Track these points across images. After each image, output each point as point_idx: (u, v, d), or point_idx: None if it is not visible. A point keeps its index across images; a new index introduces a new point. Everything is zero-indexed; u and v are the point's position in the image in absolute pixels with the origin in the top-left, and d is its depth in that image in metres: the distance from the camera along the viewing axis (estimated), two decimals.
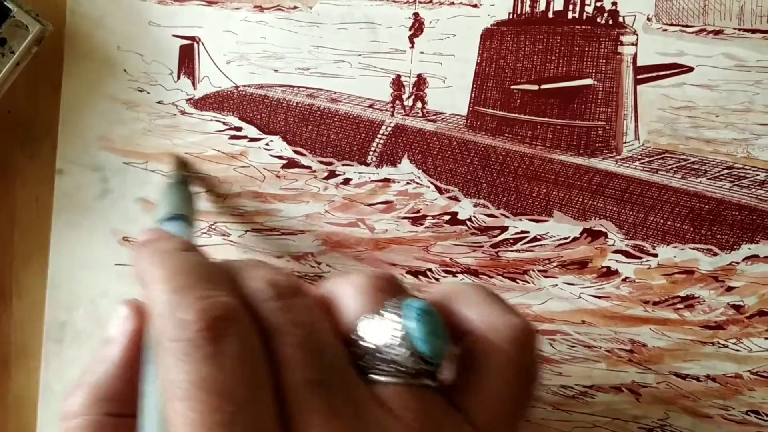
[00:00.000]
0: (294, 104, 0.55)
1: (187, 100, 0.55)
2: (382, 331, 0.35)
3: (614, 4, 0.51)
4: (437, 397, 0.36)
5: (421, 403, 0.35)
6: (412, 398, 0.35)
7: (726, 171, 0.50)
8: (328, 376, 0.34)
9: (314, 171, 0.54)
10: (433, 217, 0.53)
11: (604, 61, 0.52)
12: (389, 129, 0.54)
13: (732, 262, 0.50)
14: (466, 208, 0.53)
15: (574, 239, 0.52)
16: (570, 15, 0.52)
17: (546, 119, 0.52)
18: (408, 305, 0.36)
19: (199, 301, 0.34)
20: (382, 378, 0.35)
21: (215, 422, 0.31)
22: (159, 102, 0.56)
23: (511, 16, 0.52)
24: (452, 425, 0.36)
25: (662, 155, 0.51)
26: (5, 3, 0.52)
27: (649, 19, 0.51)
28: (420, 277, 0.53)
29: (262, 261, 0.40)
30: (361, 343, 0.36)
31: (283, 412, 0.33)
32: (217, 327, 0.33)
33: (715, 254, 0.51)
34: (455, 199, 0.53)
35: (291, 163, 0.54)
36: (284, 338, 0.34)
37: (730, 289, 0.51)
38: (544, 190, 0.52)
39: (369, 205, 0.54)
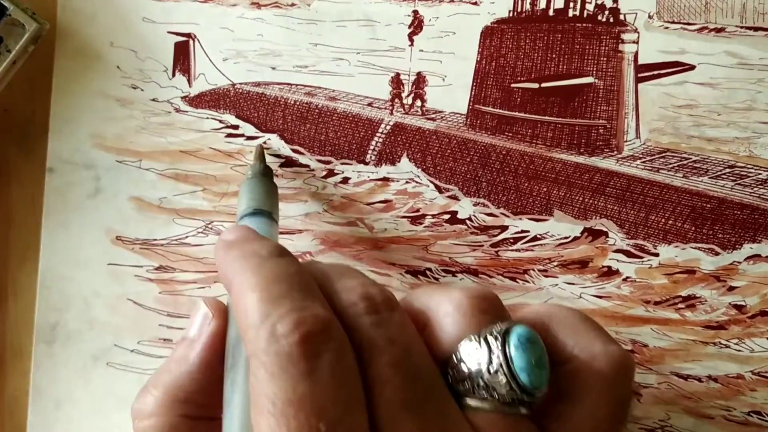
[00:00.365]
0: (292, 102, 0.54)
1: (182, 97, 0.55)
2: (483, 356, 0.34)
3: (615, 1, 0.51)
4: (531, 427, 0.35)
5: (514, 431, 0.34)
6: (506, 427, 0.34)
7: (728, 170, 0.50)
8: (422, 398, 0.33)
9: (312, 170, 0.54)
10: (433, 216, 0.53)
11: (605, 59, 0.51)
12: (388, 127, 0.53)
13: (734, 261, 0.50)
14: (465, 207, 0.53)
15: (575, 238, 0.52)
16: (571, 13, 0.52)
17: (546, 118, 0.52)
18: (512, 332, 0.35)
19: (295, 313, 0.33)
20: (477, 404, 0.35)
21: None
22: (153, 99, 0.55)
23: (511, 14, 0.52)
24: None
25: (664, 154, 0.51)
26: (1, 1, 0.51)
27: (650, 17, 0.51)
28: (419, 276, 0.53)
29: (354, 269, 0.39)
30: (460, 366, 0.35)
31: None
32: (313, 342, 0.32)
33: (717, 254, 0.50)
34: (455, 198, 0.53)
35: (289, 162, 0.54)
36: (379, 356, 0.33)
37: (731, 288, 0.50)
38: (545, 189, 0.52)
39: (368, 204, 0.53)
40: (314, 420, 0.31)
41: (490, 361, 0.34)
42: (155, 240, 0.55)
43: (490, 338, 0.35)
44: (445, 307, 0.37)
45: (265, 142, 0.54)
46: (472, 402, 0.35)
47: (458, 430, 0.33)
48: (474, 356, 0.35)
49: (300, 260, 0.39)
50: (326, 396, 0.31)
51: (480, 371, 0.34)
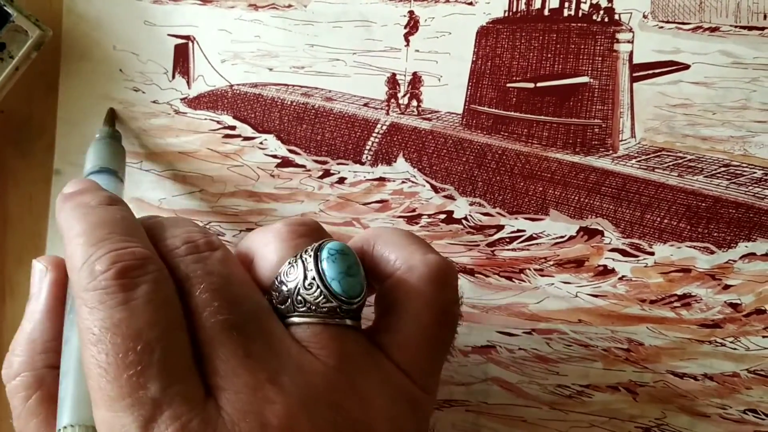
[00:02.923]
0: (288, 103, 0.54)
1: (181, 99, 0.55)
2: (299, 274, 0.36)
3: (610, 1, 0.51)
4: (356, 335, 0.37)
5: (339, 340, 0.36)
6: (329, 336, 0.36)
7: (723, 169, 0.50)
8: (243, 319, 0.35)
9: (309, 170, 0.54)
10: (429, 216, 0.53)
11: (600, 58, 0.51)
12: (384, 127, 0.54)
13: (729, 260, 0.50)
14: (461, 206, 0.53)
15: (571, 238, 0.52)
16: (566, 13, 0.52)
17: (542, 117, 0.52)
18: (323, 247, 0.37)
19: (112, 252, 0.35)
20: (300, 319, 0.36)
21: (126, 362, 0.32)
22: (154, 101, 0.55)
23: (506, 14, 0.52)
24: (371, 362, 0.37)
25: (659, 153, 0.51)
26: (5, 8, 0.52)
27: (645, 17, 0.51)
28: None
29: (186, 219, 0.41)
30: (282, 288, 0.37)
31: (199, 356, 0.34)
32: (129, 275, 0.34)
33: (712, 252, 0.50)
34: (451, 197, 0.53)
35: (285, 162, 0.54)
36: (198, 285, 0.35)
37: (727, 287, 0.50)
38: (540, 189, 0.52)
39: (364, 204, 0.54)
40: (131, 342, 0.32)
41: (305, 277, 0.36)
42: None
43: (305, 256, 0.37)
44: (266, 238, 0.39)
45: (261, 143, 0.54)
46: (295, 318, 0.37)
47: (282, 344, 0.35)
48: (292, 275, 0.37)
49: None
50: (143, 320, 0.33)
51: (297, 288, 0.36)
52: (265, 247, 0.39)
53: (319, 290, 0.36)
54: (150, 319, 0.33)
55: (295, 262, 0.37)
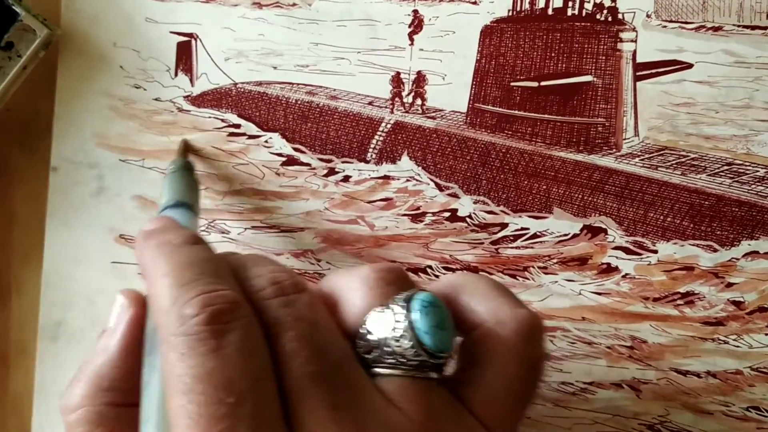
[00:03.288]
0: (293, 101, 0.54)
1: (184, 97, 0.55)
2: (388, 324, 0.35)
3: (614, 0, 0.51)
4: (442, 390, 0.36)
5: (425, 395, 0.35)
6: (416, 391, 0.35)
7: (726, 167, 0.51)
8: (329, 369, 0.34)
9: (314, 168, 0.54)
10: (433, 214, 0.53)
11: (603, 57, 0.52)
12: (389, 126, 0.54)
13: (732, 258, 0.51)
14: (465, 205, 0.53)
15: (574, 236, 0.52)
16: (569, 12, 0.52)
17: (546, 116, 0.52)
18: (414, 297, 0.36)
19: (202, 295, 0.34)
20: (387, 371, 0.35)
21: (217, 415, 0.31)
22: (156, 99, 0.55)
23: (510, 13, 0.52)
24: (455, 417, 0.36)
25: (662, 152, 0.51)
26: (13, 7, 0.51)
27: (648, 16, 0.51)
28: (420, 274, 0.53)
29: (267, 257, 0.40)
30: (368, 337, 0.36)
31: (285, 406, 0.33)
32: (219, 320, 0.33)
33: (715, 250, 0.51)
34: (455, 196, 0.53)
35: (290, 161, 0.54)
36: (286, 332, 0.34)
37: (730, 285, 0.51)
38: (544, 187, 0.52)
39: (369, 202, 0.54)
40: (223, 393, 0.31)
41: (395, 328, 0.35)
42: None
43: (395, 306, 0.36)
44: (352, 283, 0.38)
45: (266, 141, 0.54)
46: (381, 370, 0.35)
47: (368, 397, 0.34)
48: (380, 325, 0.36)
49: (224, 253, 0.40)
50: (234, 370, 0.32)
51: (386, 338, 0.35)
52: (351, 293, 0.38)
53: (409, 343, 0.35)
54: (242, 368, 0.32)
55: (384, 311, 0.36)
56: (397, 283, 0.38)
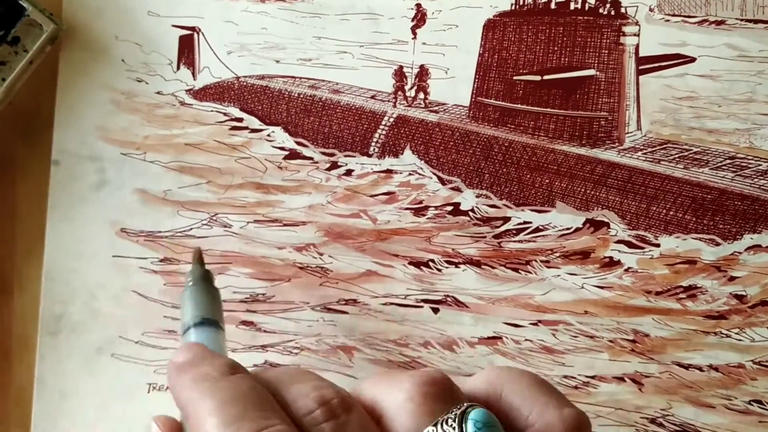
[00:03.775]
0: (296, 95, 0.54)
1: (186, 90, 0.55)
2: None
3: None
4: None
5: None
6: None
7: (728, 161, 0.51)
8: None
9: (316, 162, 0.54)
10: (436, 207, 0.53)
11: (606, 51, 0.52)
12: (391, 120, 0.54)
13: (734, 252, 0.51)
14: (468, 198, 0.53)
15: (577, 229, 0.52)
16: (572, 6, 0.52)
17: (548, 110, 0.52)
18: (469, 417, 0.34)
19: None
20: None
21: None
22: (158, 92, 0.55)
23: (513, 7, 0.52)
24: None
25: (665, 145, 0.51)
26: (20, 2, 0.51)
27: (651, 10, 0.51)
28: (422, 268, 0.53)
29: (305, 371, 0.39)
30: None
31: None
32: None
33: (718, 244, 0.51)
34: (458, 189, 0.53)
35: (293, 154, 0.54)
36: None
37: (732, 279, 0.51)
38: (547, 181, 0.52)
39: (371, 196, 0.54)
40: None
41: None
42: (160, 232, 0.55)
43: (447, 428, 0.34)
44: (396, 398, 0.37)
45: (269, 135, 0.54)
46: None
47: None
48: None
49: (249, 369, 0.39)
50: None
51: None
52: (398, 410, 0.36)
53: None
54: None
55: (436, 430, 0.34)
56: (444, 397, 0.36)
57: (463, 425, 0.34)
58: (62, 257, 0.55)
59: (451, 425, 0.34)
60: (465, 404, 0.35)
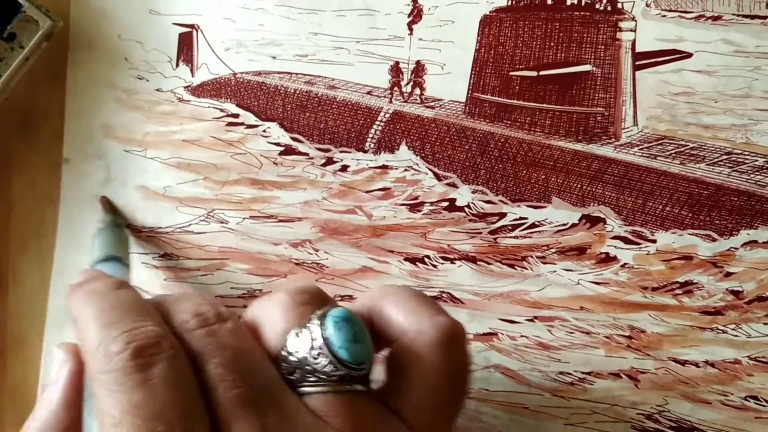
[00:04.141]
0: (292, 91, 0.55)
1: (185, 87, 0.56)
2: (306, 343, 0.36)
3: None
4: (369, 401, 0.37)
5: (351, 407, 0.36)
6: (342, 404, 0.36)
7: (725, 156, 0.50)
8: (256, 392, 0.35)
9: (312, 158, 0.54)
10: (431, 203, 0.53)
11: (602, 47, 0.51)
12: (387, 115, 0.54)
13: (731, 247, 0.50)
14: (464, 194, 0.53)
15: (573, 225, 0.52)
16: (569, 1, 0.52)
17: (545, 105, 0.52)
18: (328, 315, 0.37)
19: (126, 333, 0.35)
20: (312, 389, 0.36)
21: None
22: (158, 89, 0.56)
23: (510, 3, 0.52)
24: (386, 427, 0.37)
25: (661, 141, 0.51)
26: None
27: (647, 5, 0.51)
28: (418, 264, 0.53)
29: (191, 293, 0.42)
30: (290, 358, 0.37)
31: (215, 430, 0.34)
32: (144, 355, 0.34)
33: (714, 240, 0.50)
34: (453, 185, 0.53)
35: (288, 150, 0.54)
36: (210, 360, 0.35)
37: (728, 274, 0.50)
38: (543, 177, 0.52)
39: (367, 191, 0.54)
40: (153, 423, 0.33)
41: (312, 347, 0.36)
42: (161, 228, 0.55)
43: (310, 325, 0.37)
44: (270, 308, 0.39)
45: (264, 131, 0.55)
46: (307, 389, 0.37)
47: (296, 416, 0.35)
48: (299, 345, 0.37)
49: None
50: (163, 400, 0.33)
51: (306, 357, 0.36)
52: (271, 317, 0.39)
53: (326, 359, 0.36)
54: (169, 399, 0.33)
55: (301, 331, 0.37)
56: (313, 303, 0.39)
57: (324, 321, 0.36)
58: (71, 251, 0.56)
59: (315, 324, 0.37)
60: (329, 306, 0.38)
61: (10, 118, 0.55)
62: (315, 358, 0.36)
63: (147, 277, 0.55)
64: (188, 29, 0.55)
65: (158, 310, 0.38)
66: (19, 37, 0.52)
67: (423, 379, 0.38)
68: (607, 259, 0.52)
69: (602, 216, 0.52)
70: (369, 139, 0.54)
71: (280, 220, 0.54)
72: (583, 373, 0.52)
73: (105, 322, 0.36)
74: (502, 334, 0.53)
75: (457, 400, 0.39)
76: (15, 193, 0.56)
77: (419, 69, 0.53)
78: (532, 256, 0.52)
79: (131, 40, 0.56)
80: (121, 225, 0.54)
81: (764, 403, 0.51)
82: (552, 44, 0.52)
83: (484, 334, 0.53)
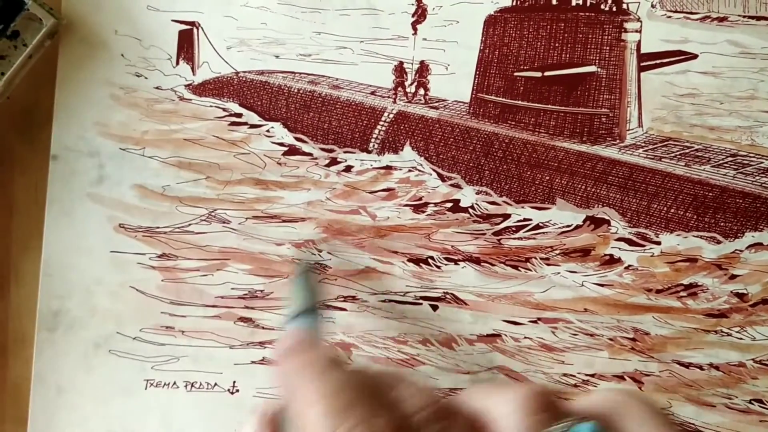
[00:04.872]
0: (295, 91, 0.54)
1: (186, 85, 0.55)
2: None
3: None
4: None
5: None
6: None
7: (730, 158, 0.50)
8: None
9: (315, 158, 0.54)
10: (435, 204, 0.53)
11: (607, 48, 0.51)
12: (391, 116, 0.53)
13: (736, 250, 0.50)
14: (468, 195, 0.53)
15: (577, 227, 0.52)
16: (574, 2, 0.52)
17: (549, 106, 0.52)
18: (578, 427, 0.33)
19: (363, 425, 0.33)
20: None
21: None
22: (157, 87, 0.55)
23: (514, 3, 0.52)
24: None
25: (666, 143, 0.51)
26: None
27: (653, 6, 0.51)
28: (422, 265, 0.53)
29: (410, 376, 0.38)
30: None
31: None
32: None
33: (719, 242, 0.50)
34: (457, 186, 0.53)
35: (292, 150, 0.54)
36: None
37: (733, 277, 0.50)
38: (547, 178, 0.52)
39: (370, 192, 0.53)
40: None
41: None
42: (158, 228, 0.55)
43: None
44: (503, 407, 0.36)
45: (268, 130, 0.54)
46: None
47: None
48: None
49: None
50: None
51: None
52: (505, 419, 0.35)
53: None
54: None
55: None
56: (550, 410, 0.35)
57: None
58: (60, 253, 0.55)
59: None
60: (577, 417, 0.34)
61: (12, 117, 0.55)
62: None
63: (143, 277, 0.54)
64: (188, 26, 0.55)
65: (382, 394, 0.36)
66: (23, 35, 0.52)
67: None
68: (612, 261, 0.52)
69: (607, 217, 0.51)
70: (373, 140, 0.53)
71: (284, 221, 0.54)
72: (586, 375, 0.52)
73: (332, 408, 0.34)
74: (506, 335, 0.52)
75: None
76: (17, 193, 0.55)
77: (423, 69, 0.53)
78: (536, 258, 0.52)
79: (128, 36, 0.55)
80: (313, 269, 0.52)
81: None
82: (557, 45, 0.52)
83: (487, 336, 0.52)
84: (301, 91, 0.54)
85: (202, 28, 0.55)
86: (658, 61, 0.51)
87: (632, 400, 0.38)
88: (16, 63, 0.52)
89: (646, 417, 0.36)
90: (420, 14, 0.53)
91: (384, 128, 0.54)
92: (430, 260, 0.53)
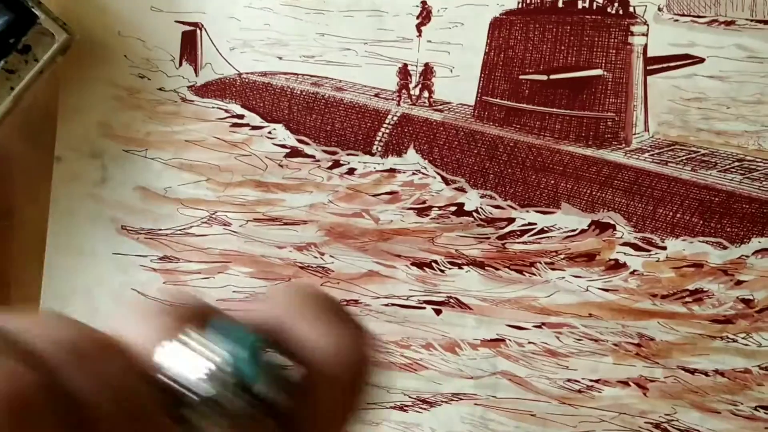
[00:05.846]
0: (298, 92, 0.54)
1: (188, 87, 0.55)
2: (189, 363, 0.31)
3: None
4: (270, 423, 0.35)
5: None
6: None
7: (737, 163, 0.50)
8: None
9: (318, 160, 0.54)
10: (439, 208, 0.53)
11: (614, 51, 0.51)
12: (395, 118, 0.53)
13: (742, 255, 0.50)
14: (472, 199, 0.52)
15: (582, 231, 0.51)
16: (580, 4, 0.51)
17: (555, 110, 0.52)
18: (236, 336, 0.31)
19: None
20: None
21: None
22: (160, 89, 0.55)
23: (520, 6, 0.52)
24: None
25: (672, 147, 0.51)
26: (32, 9, 0.50)
27: (660, 9, 0.50)
28: (425, 269, 0.53)
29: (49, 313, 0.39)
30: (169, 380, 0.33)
31: None
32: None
33: (725, 247, 0.50)
34: (462, 190, 0.52)
35: (294, 152, 0.54)
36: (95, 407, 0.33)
37: (739, 282, 0.50)
38: (552, 182, 0.52)
39: (374, 195, 0.53)
40: None
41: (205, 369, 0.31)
42: (160, 230, 0.55)
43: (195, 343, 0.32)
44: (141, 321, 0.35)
45: (270, 132, 0.54)
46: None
47: None
48: (179, 362, 0.32)
49: None
50: None
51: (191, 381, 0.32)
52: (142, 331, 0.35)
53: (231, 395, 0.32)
54: None
55: (182, 346, 0.31)
56: (193, 317, 0.35)
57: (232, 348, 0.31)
58: (63, 254, 0.55)
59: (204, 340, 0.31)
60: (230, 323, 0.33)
61: (14, 120, 0.54)
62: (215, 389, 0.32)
63: (145, 279, 0.54)
64: (192, 28, 0.55)
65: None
66: (34, 49, 0.50)
67: (324, 406, 0.35)
68: (617, 266, 0.51)
69: (612, 222, 0.51)
70: (376, 142, 0.53)
71: (285, 223, 0.53)
72: (591, 380, 0.52)
73: None
74: (510, 340, 0.52)
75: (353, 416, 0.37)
76: (18, 195, 0.55)
77: (428, 71, 0.53)
78: (540, 262, 0.52)
79: (132, 37, 0.55)
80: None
81: None
82: (562, 48, 0.52)
83: (491, 340, 0.52)
84: (303, 93, 0.54)
85: (205, 29, 0.54)
86: (664, 65, 0.51)
87: (296, 295, 0.37)
88: (26, 78, 0.50)
89: (317, 313, 0.35)
90: (425, 16, 0.52)
91: (388, 131, 0.53)
92: (433, 264, 0.53)
